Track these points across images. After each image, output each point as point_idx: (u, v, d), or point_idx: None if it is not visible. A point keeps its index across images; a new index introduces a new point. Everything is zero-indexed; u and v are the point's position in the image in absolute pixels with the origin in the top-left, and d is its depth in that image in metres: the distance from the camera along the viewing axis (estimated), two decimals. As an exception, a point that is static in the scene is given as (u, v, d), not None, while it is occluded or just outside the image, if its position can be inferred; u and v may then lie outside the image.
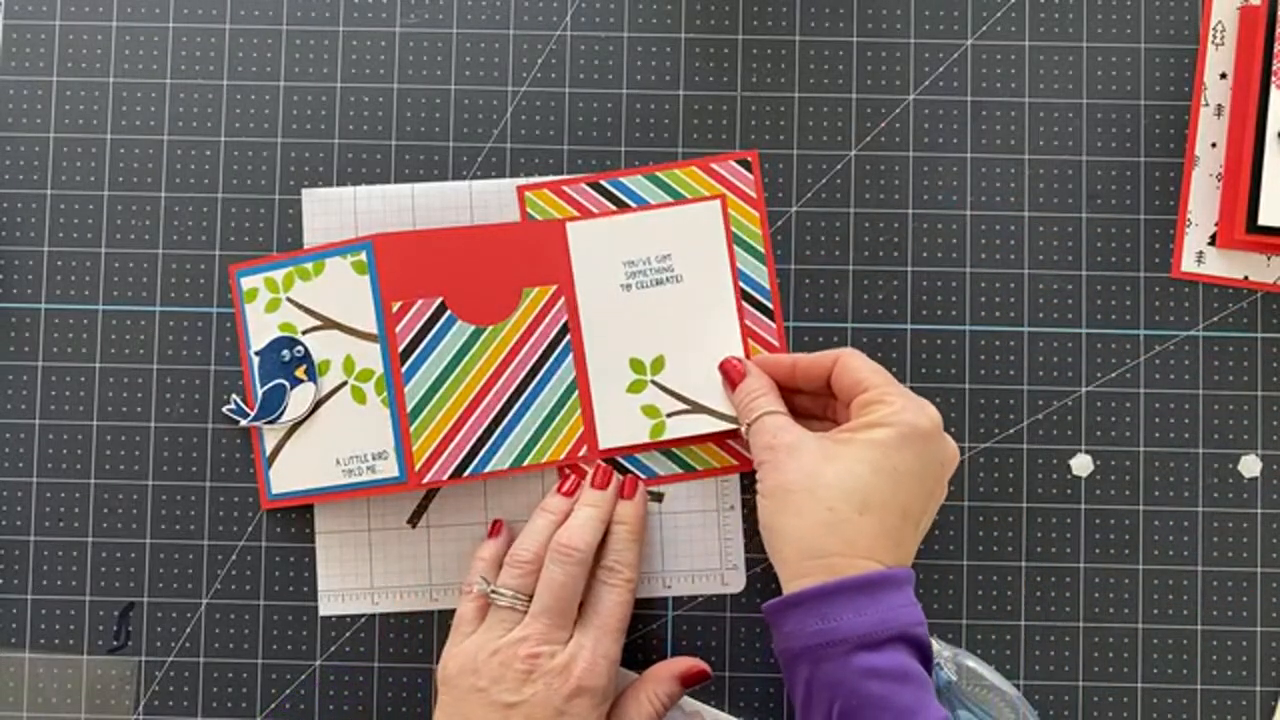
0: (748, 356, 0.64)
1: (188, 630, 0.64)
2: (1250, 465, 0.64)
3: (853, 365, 0.58)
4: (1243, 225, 0.61)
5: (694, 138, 0.65)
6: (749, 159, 0.65)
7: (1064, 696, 0.63)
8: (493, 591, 0.58)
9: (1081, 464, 0.64)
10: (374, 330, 0.60)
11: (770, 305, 0.64)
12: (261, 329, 0.63)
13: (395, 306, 0.60)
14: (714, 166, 0.65)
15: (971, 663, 0.60)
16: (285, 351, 0.62)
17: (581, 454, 0.63)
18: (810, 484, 0.54)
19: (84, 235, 0.65)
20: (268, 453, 0.63)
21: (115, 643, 0.64)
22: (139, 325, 0.65)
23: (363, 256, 0.60)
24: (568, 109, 0.65)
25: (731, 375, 0.62)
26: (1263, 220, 0.61)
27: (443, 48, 0.66)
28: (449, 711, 0.56)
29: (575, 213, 0.65)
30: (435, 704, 0.58)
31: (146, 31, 0.66)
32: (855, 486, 0.54)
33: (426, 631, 0.64)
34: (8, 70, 0.66)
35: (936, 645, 0.60)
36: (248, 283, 0.64)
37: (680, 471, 0.64)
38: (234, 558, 0.64)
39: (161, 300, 0.65)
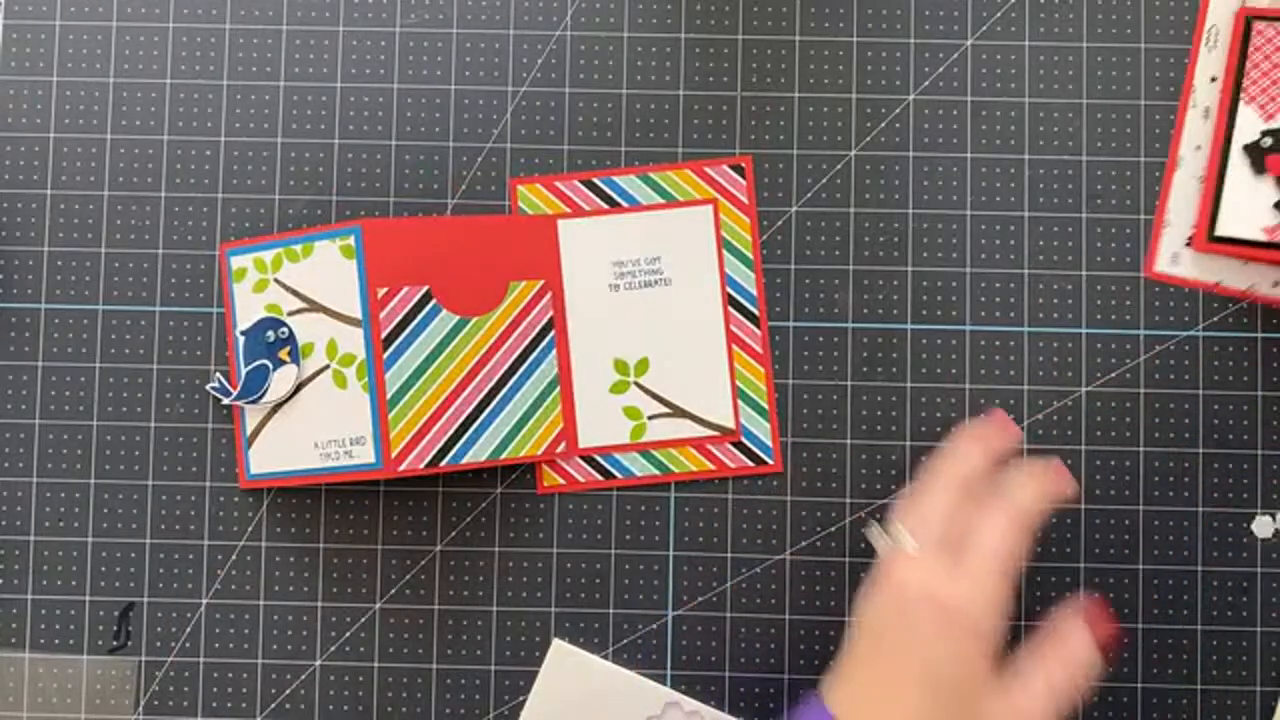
0: (730, 362, 0.63)
1: (188, 630, 0.64)
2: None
3: None
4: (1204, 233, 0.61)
5: (694, 138, 0.65)
6: (743, 164, 0.65)
7: (1064, 696, 0.63)
8: None
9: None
10: (358, 315, 0.60)
11: (756, 312, 0.64)
12: (248, 309, 0.63)
13: (381, 292, 0.59)
14: (707, 170, 0.65)
15: (971, 663, 0.60)
16: (270, 333, 0.62)
17: (560, 450, 0.63)
18: None
19: (84, 235, 0.65)
20: (248, 433, 0.63)
21: (115, 643, 0.64)
22: (139, 325, 0.65)
23: (351, 241, 0.60)
24: (567, 109, 0.65)
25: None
26: (1219, 231, 0.61)
27: (443, 48, 0.66)
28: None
29: (566, 209, 0.64)
30: None
31: (146, 31, 0.66)
32: None
33: (426, 632, 0.64)
34: (8, 70, 0.66)
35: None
36: (237, 262, 0.64)
37: (659, 474, 0.64)
38: (234, 558, 0.64)
39: (161, 300, 0.65)
